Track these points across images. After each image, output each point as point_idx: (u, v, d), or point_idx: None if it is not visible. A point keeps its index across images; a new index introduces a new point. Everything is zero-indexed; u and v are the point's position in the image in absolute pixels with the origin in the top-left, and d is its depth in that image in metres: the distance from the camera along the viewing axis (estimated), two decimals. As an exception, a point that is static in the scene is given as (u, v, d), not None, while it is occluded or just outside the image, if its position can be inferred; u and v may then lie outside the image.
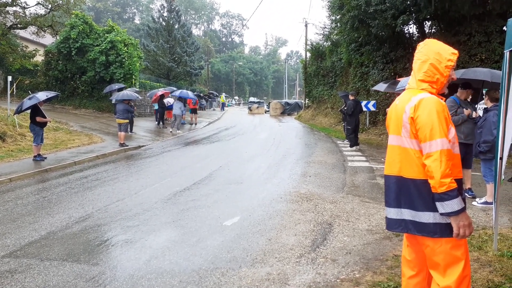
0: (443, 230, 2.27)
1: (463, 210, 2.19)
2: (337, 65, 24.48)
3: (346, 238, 4.86)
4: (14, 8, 26.06)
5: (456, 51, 2.42)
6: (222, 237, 4.92)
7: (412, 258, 2.56)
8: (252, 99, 58.25)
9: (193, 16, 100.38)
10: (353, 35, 17.44)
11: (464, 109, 6.31)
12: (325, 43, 28.22)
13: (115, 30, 24.49)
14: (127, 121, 13.68)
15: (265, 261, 4.19)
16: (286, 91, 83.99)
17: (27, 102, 10.39)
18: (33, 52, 27.43)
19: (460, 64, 12.30)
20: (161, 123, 20.70)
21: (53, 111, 21.44)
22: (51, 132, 14.97)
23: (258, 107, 39.87)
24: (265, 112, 39.13)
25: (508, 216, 5.57)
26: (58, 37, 25.06)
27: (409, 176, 2.35)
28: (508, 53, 3.61)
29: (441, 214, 2.21)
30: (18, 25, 25.89)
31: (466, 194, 6.34)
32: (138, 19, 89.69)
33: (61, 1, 25.56)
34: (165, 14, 44.72)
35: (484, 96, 6.49)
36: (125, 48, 23.80)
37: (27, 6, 26.47)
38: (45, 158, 10.57)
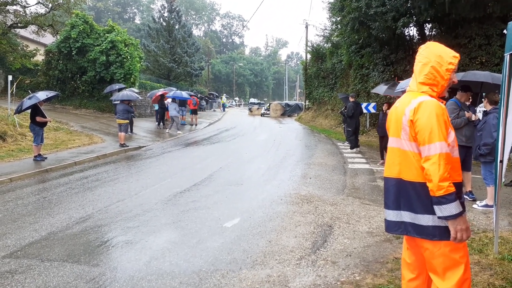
0: (442, 233, 2.27)
1: (461, 214, 2.19)
2: (338, 67, 24.50)
3: (346, 240, 4.86)
4: (14, 7, 26.03)
5: (457, 54, 2.42)
6: (222, 239, 4.92)
7: (412, 261, 2.56)
8: (252, 100, 58.23)
9: (194, 16, 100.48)
10: (354, 37, 17.46)
11: (466, 112, 6.32)
12: (325, 45, 28.25)
13: (116, 30, 24.48)
14: (127, 121, 13.67)
15: (265, 263, 4.19)
16: (287, 93, 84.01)
17: (27, 102, 10.39)
18: (34, 51, 27.39)
19: (460, 67, 12.31)
20: (161, 123, 20.71)
21: (54, 111, 21.43)
22: (51, 132, 14.96)
23: (258, 108, 39.90)
24: (262, 115, 36.58)
25: (508, 219, 5.57)
26: (58, 37, 25.02)
27: (408, 178, 2.36)
28: (508, 56, 3.62)
29: (439, 217, 2.22)
30: (19, 24, 25.87)
31: (466, 197, 6.35)
32: (138, 19, 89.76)
33: (61, 1, 25.51)
34: (165, 14, 44.76)
35: (483, 99, 6.50)
36: (126, 48, 23.79)
37: (27, 5, 26.44)
38: (46, 158, 10.57)
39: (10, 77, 15.33)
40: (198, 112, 24.67)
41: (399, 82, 10.44)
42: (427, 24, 16.68)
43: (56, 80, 24.53)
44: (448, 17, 13.60)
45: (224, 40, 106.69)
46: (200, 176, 8.90)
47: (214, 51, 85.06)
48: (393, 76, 16.71)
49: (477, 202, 6.29)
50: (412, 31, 17.65)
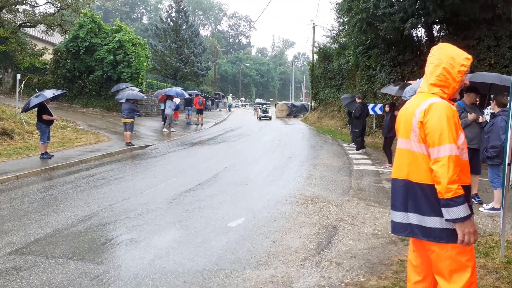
0: (450, 236, 2.24)
1: (468, 217, 2.17)
2: (344, 67, 24.41)
3: (351, 241, 4.83)
4: (24, 7, 26.32)
5: (470, 56, 2.40)
6: (227, 238, 4.92)
7: (418, 263, 2.53)
8: (258, 100, 58.19)
9: (201, 17, 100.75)
10: (361, 38, 17.39)
11: (468, 114, 6.26)
12: (332, 46, 28.17)
13: (123, 29, 24.60)
14: (132, 120, 13.72)
15: (269, 263, 4.18)
16: (293, 93, 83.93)
17: (34, 100, 10.47)
18: (42, 50, 27.66)
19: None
20: (168, 123, 20.73)
21: (61, 109, 21.58)
22: (58, 131, 15.07)
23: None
24: (259, 119, 32.21)
25: (515, 223, 5.51)
26: (67, 36, 25.23)
27: (416, 180, 2.34)
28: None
29: (446, 220, 2.19)
30: (28, 24, 26.14)
31: (472, 200, 6.28)
32: (146, 19, 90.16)
33: (70, 0, 25.74)
34: (173, 14, 44.89)
35: (491, 101, 6.43)
36: (133, 48, 23.90)
37: (36, 5, 26.71)
38: (52, 156, 10.64)
39: (18, 76, 15.46)
40: (204, 112, 24.70)
41: (410, 83, 10.38)
42: (435, 25, 16.58)
43: (63, 79, 24.71)
44: (456, 18, 13.50)
45: (231, 40, 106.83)
46: (205, 175, 8.90)
47: (221, 51, 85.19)
48: (400, 78, 16.62)
49: (484, 205, 6.23)
50: (420, 32, 17.56)
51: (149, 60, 27.79)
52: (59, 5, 26.07)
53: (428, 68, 2.46)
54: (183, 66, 42.37)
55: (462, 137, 2.31)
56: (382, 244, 4.75)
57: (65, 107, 23.15)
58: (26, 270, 3.99)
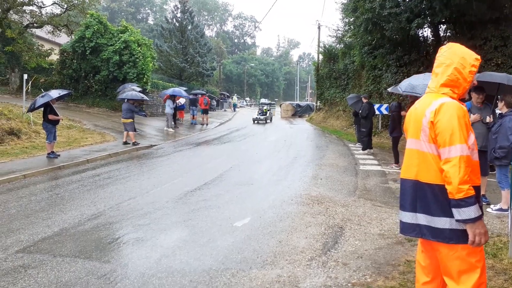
0: (459, 237, 2.23)
1: (479, 217, 2.15)
2: (350, 67, 24.35)
3: (357, 242, 4.81)
4: (30, 8, 26.52)
5: (479, 57, 2.40)
6: (233, 238, 4.92)
7: (427, 264, 2.52)
8: (263, 100, 57.97)
9: (206, 17, 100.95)
10: (367, 38, 17.33)
11: (472, 114, 6.21)
12: (338, 46, 28.10)
13: (129, 30, 24.70)
14: (131, 120, 13.76)
15: (276, 263, 4.17)
16: (298, 93, 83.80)
17: (40, 100, 10.55)
18: (49, 51, 27.84)
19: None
20: (172, 123, 20.80)
21: (67, 109, 21.71)
22: (64, 130, 15.16)
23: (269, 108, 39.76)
24: (255, 122, 26.73)
25: (523, 224, 5.46)
26: (73, 37, 25.38)
27: (426, 180, 2.32)
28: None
29: (457, 220, 2.18)
30: (35, 24, 26.33)
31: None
32: (151, 19, 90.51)
33: (76, 1, 25.91)
34: (178, 15, 45.02)
35: (498, 101, 6.37)
36: (139, 48, 23.99)
37: (43, 6, 26.91)
38: (59, 155, 10.70)
39: (25, 76, 15.59)
40: (208, 112, 24.73)
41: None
42: (441, 25, 16.49)
43: (70, 79, 24.86)
44: (463, 18, 13.41)
45: (236, 40, 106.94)
46: (211, 175, 8.91)
47: (226, 51, 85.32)
48: (406, 78, 16.52)
49: (491, 206, 6.18)
50: (426, 32, 17.47)
51: (155, 60, 27.89)
52: (66, 5, 26.25)
53: (439, 68, 2.43)
54: (188, 67, 42.46)
55: (472, 137, 2.30)
56: (389, 245, 4.73)
57: (71, 107, 23.27)
58: (34, 268, 4.02)
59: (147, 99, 16.33)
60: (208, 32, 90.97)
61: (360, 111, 13.08)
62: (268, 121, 27.53)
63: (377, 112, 15.58)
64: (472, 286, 2.22)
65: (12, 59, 25.16)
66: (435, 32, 16.65)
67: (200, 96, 24.85)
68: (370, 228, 5.32)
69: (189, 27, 44.35)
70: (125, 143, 13.46)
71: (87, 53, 23.59)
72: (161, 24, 50.17)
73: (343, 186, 7.95)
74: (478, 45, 13.37)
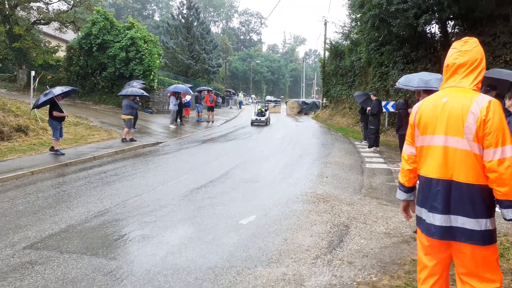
0: (492, 237, 2.24)
1: None
2: (356, 64, 24.21)
3: (363, 240, 4.80)
4: (37, 4, 26.66)
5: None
6: (238, 236, 4.93)
7: (433, 265, 2.48)
8: (269, 97, 57.95)
9: (212, 13, 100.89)
10: (373, 34, 17.21)
11: None
12: (344, 42, 27.93)
13: (135, 26, 24.75)
14: (130, 117, 13.79)
15: (281, 261, 4.18)
16: (304, 90, 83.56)
17: (43, 97, 10.64)
18: (56, 47, 27.98)
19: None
20: (178, 120, 20.85)
21: (74, 106, 21.84)
22: (71, 127, 15.26)
23: (275, 105, 39.64)
24: (254, 124, 22.71)
25: (531, 223, 5.41)
26: (79, 33, 25.49)
27: (465, 180, 2.23)
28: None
29: (509, 219, 2.19)
30: (42, 21, 26.45)
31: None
32: (157, 16, 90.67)
33: (83, -3, 26.02)
34: (184, 11, 45.02)
35: (505, 99, 6.28)
36: (145, 45, 24.04)
37: (50, 2, 27.07)
38: (63, 154, 10.73)
39: (33, 73, 15.69)
40: (214, 109, 24.75)
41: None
42: (449, 21, 16.32)
43: (76, 76, 24.99)
44: (471, 14, 13.26)
45: (241, 37, 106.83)
46: (217, 173, 8.93)
47: (232, 48, 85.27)
48: (413, 75, 16.38)
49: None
50: (434, 28, 17.29)
51: (161, 57, 27.92)
52: (72, 2, 26.36)
53: (473, 63, 2.35)
54: (194, 63, 42.49)
55: None
56: (395, 243, 4.71)
57: (78, 103, 23.41)
58: (41, 265, 4.06)
59: (147, 95, 16.25)
60: (214, 29, 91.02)
61: (370, 109, 13.01)
62: (268, 122, 23.27)
63: (383, 110, 15.48)
64: (499, 284, 2.25)
65: (20, 56, 25.32)
66: (443, 28, 16.49)
67: (206, 93, 24.85)
68: (375, 227, 5.30)
69: (195, 24, 44.36)
70: (131, 139, 13.50)
71: (93, 49, 23.69)
72: (167, 20, 50.27)
73: (349, 184, 7.92)
74: (487, 42, 13.21)
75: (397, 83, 10.13)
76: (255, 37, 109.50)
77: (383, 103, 15.55)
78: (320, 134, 18.69)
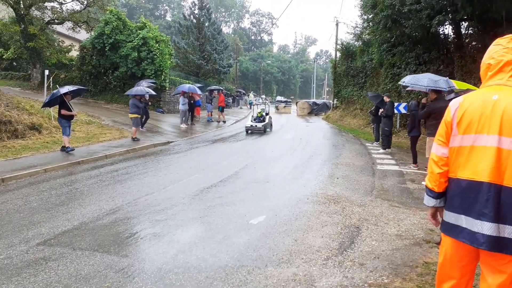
0: None
1: None
2: (368, 65, 24.06)
3: (374, 242, 4.77)
4: (51, 4, 27.04)
5: None
6: (248, 235, 4.93)
7: (460, 275, 2.35)
8: (279, 98, 57.89)
9: (223, 14, 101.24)
10: (386, 35, 17.09)
11: None
12: (356, 43, 27.79)
13: (147, 26, 24.92)
14: (136, 116, 13.88)
15: (291, 262, 4.17)
16: (314, 91, 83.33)
17: (50, 96, 10.86)
18: (69, 47, 28.36)
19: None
20: (189, 120, 20.93)
21: (86, 105, 22.09)
22: (83, 126, 15.44)
23: (285, 106, 39.58)
24: (247, 132, 18.14)
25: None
26: (92, 33, 25.77)
27: None
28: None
29: None
30: (55, 21, 26.82)
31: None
32: (169, 16, 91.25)
33: (96, -3, 26.31)
34: (196, 11, 45.24)
35: None
36: (157, 45, 24.19)
37: (64, 2, 27.43)
38: (73, 149, 10.87)
39: (46, 72, 15.93)
40: (224, 109, 24.79)
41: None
42: (463, 22, 16.11)
43: (89, 75, 25.26)
44: (486, 15, 13.07)
45: (252, 37, 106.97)
46: (227, 172, 8.95)
47: (243, 48, 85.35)
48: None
49: None
50: (448, 29, 17.10)
51: (172, 57, 28.08)
52: (86, 2, 26.67)
53: None
54: (205, 63, 42.66)
55: None
56: (406, 246, 4.67)
57: (90, 102, 23.67)
58: (55, 261, 4.11)
59: (153, 93, 16.18)
60: (225, 29, 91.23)
61: (383, 110, 12.92)
62: (268, 129, 18.81)
63: (395, 111, 15.34)
64: None
65: (34, 55, 25.69)
66: (457, 29, 16.29)
67: (216, 92, 24.90)
68: (387, 229, 5.26)
69: (206, 24, 44.55)
70: (134, 139, 13.60)
71: (106, 49, 23.92)
72: (178, 20, 50.53)
73: (360, 186, 7.87)
74: (502, 43, 13.01)
75: (402, 82, 10.08)
76: (266, 37, 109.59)
77: (395, 104, 15.42)
78: (330, 135, 18.61)
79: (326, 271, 3.96)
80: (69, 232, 4.99)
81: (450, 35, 17.20)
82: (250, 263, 4.12)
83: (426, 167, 2.52)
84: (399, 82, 8.67)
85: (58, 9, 27.11)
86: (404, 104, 15.55)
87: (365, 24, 22.71)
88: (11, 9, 24.35)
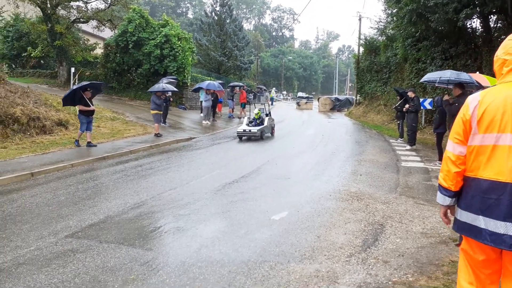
0: None
1: None
2: (392, 60, 23.60)
3: (398, 240, 4.69)
4: (77, 3, 27.66)
5: None
6: (270, 231, 4.93)
7: (486, 276, 2.28)
8: (300, 94, 57.52)
9: (245, 10, 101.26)
10: (410, 30, 16.70)
11: None
12: (379, 38, 27.31)
13: (170, 24, 25.20)
14: (156, 112, 14.04)
15: (314, 258, 4.15)
16: (337, 87, 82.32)
17: (67, 92, 11.22)
18: (94, 45, 28.96)
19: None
20: (210, 116, 21.05)
21: (111, 101, 22.56)
22: (108, 122, 15.77)
23: (307, 102, 39.30)
24: (242, 138, 14.42)
25: None
26: (116, 31, 26.24)
27: None
28: None
29: None
30: (81, 19, 27.44)
31: None
32: (191, 13, 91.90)
33: (119, -4, 26.75)
34: (217, 8, 45.42)
35: None
36: (179, 42, 24.44)
37: (89, 1, 28.00)
38: (80, 145, 11.19)
39: (72, 69, 16.36)
40: (246, 106, 24.82)
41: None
42: (492, 15, 15.58)
43: (113, 72, 25.76)
44: (516, 7, 12.62)
45: (274, 33, 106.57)
46: (248, 168, 8.97)
47: (264, 44, 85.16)
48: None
49: None
50: (475, 23, 16.58)
51: (194, 54, 28.30)
52: (110, 0, 27.16)
53: None
54: (226, 60, 42.81)
55: None
56: (432, 244, 4.58)
57: (114, 99, 24.16)
58: (82, 253, 4.22)
59: (172, 90, 16.13)
60: (246, 25, 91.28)
61: (409, 106, 12.68)
62: (268, 134, 15.29)
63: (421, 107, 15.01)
64: None
65: (60, 53, 26.38)
66: (485, 23, 15.77)
67: (238, 89, 24.97)
68: (412, 226, 5.16)
69: (228, 21, 44.65)
70: (156, 135, 13.81)
71: (129, 47, 24.32)
72: (200, 18, 50.85)
73: (384, 183, 7.75)
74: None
75: (423, 80, 9.84)
76: (287, 33, 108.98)
77: (420, 100, 15.09)
78: (353, 131, 18.37)
79: (349, 268, 3.93)
80: (96, 225, 5.12)
81: (478, 29, 16.68)
82: (273, 259, 4.12)
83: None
84: (421, 80, 8.50)
85: (83, 8, 27.71)
86: (429, 100, 15.21)
87: (389, 19, 22.29)
88: (39, 9, 25.04)
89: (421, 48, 17.86)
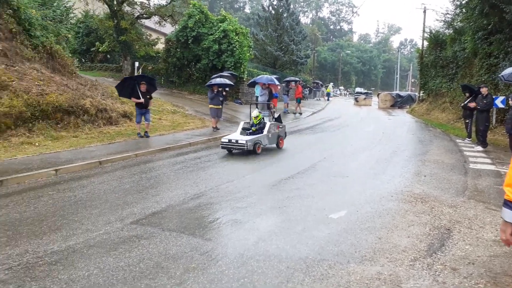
0: None
1: None
2: (460, 55, 22.10)
3: (468, 246, 4.39)
4: (141, 0, 28.91)
5: None
6: (328, 230, 4.83)
7: None
8: (358, 89, 55.76)
9: (302, 3, 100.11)
10: (482, 22, 15.53)
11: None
12: (446, 31, 25.69)
13: (228, 19, 25.53)
14: (212, 106, 14.17)
15: (375, 260, 4.00)
16: (398, 82, 78.81)
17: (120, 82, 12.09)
18: (156, 40, 30.14)
19: None
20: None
21: (171, 95, 23.39)
22: (169, 115, 16.37)
23: (365, 98, 37.98)
24: (233, 151, 10.31)
25: None
26: (177, 26, 27.09)
27: None
28: None
29: None
30: (144, 15, 28.64)
31: None
32: (248, 8, 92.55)
33: (180, -9, 27.56)
34: (274, 2, 45.25)
35: None
36: (236, 37, 24.70)
37: (151, -3, 29.11)
38: (143, 136, 11.68)
39: (136, 63, 17.16)
40: (301, 101, 24.56)
41: None
42: None
43: (174, 67, 26.65)
44: None
45: (331, 27, 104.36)
46: (304, 164, 8.86)
47: (321, 38, 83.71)
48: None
49: None
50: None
51: (251, 49, 28.48)
52: (171, -4, 28.07)
53: None
54: (283, 55, 42.62)
55: None
56: (507, 253, 4.23)
57: (174, 93, 25.01)
58: (146, 239, 4.41)
59: (229, 83, 16.11)
60: (303, 19, 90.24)
61: (476, 104, 11.86)
62: (272, 145, 11.27)
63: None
64: None
65: (125, 48, 27.72)
66: None
67: (294, 84, 24.75)
68: (483, 233, 4.81)
69: (285, 15, 44.35)
70: (214, 128, 14.09)
71: (189, 42, 25.00)
72: (257, 12, 51.05)
73: (451, 185, 7.29)
74: None
75: (500, 76, 9.04)
76: (345, 26, 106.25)
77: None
78: (416, 130, 17.50)
79: (413, 272, 3.74)
80: (158, 213, 5.32)
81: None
82: (331, 258, 4.03)
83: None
84: (499, 75, 7.84)
85: (146, 4, 28.89)
86: (502, 98, 14.07)
87: (458, 11, 20.87)
88: (106, 6, 26.49)
89: (494, 41, 16.51)
